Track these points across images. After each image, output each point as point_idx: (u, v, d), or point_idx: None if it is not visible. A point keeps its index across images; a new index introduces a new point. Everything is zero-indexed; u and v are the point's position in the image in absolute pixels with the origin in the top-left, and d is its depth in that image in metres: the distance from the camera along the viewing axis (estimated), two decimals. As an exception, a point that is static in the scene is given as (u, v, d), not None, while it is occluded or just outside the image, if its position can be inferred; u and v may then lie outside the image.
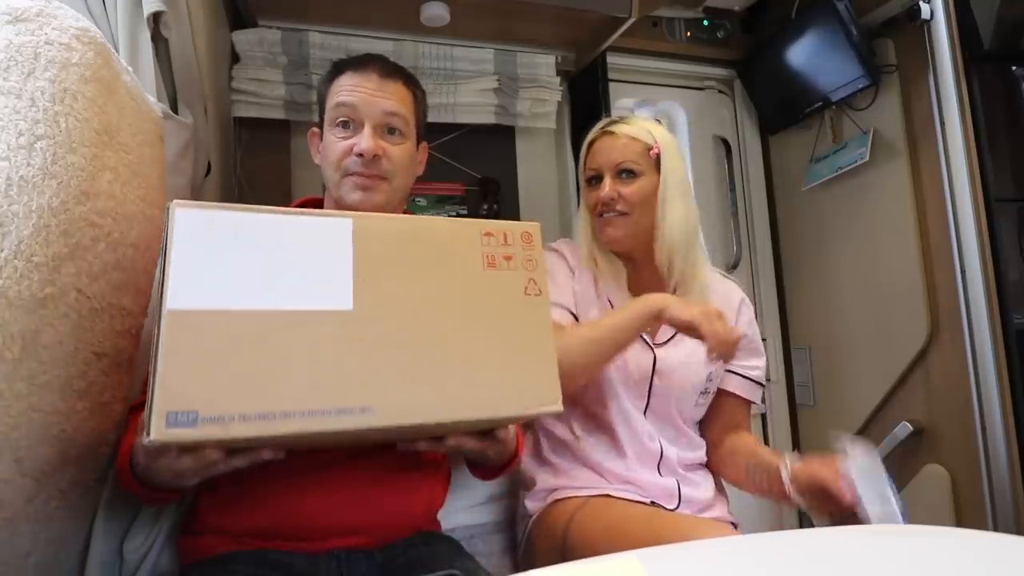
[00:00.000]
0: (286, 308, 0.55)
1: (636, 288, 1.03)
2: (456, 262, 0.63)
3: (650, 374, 0.98)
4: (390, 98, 0.87)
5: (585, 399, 1.00)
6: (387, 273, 0.60)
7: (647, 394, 0.99)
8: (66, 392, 0.59)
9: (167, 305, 0.51)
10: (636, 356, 0.98)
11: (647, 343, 1.00)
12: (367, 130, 0.85)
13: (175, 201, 0.54)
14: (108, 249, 0.62)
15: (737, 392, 1.04)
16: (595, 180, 1.03)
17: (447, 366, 0.60)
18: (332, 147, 0.87)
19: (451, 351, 0.61)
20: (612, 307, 1.02)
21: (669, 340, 1.01)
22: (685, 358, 0.99)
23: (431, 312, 0.61)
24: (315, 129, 0.95)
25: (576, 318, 1.02)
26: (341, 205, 0.88)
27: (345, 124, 0.86)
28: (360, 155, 0.84)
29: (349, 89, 0.86)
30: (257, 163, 1.51)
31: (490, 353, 0.62)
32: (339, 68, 0.90)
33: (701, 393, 1.01)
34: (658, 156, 1.00)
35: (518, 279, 0.65)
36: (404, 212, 1.00)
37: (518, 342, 0.63)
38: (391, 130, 0.88)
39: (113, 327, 0.66)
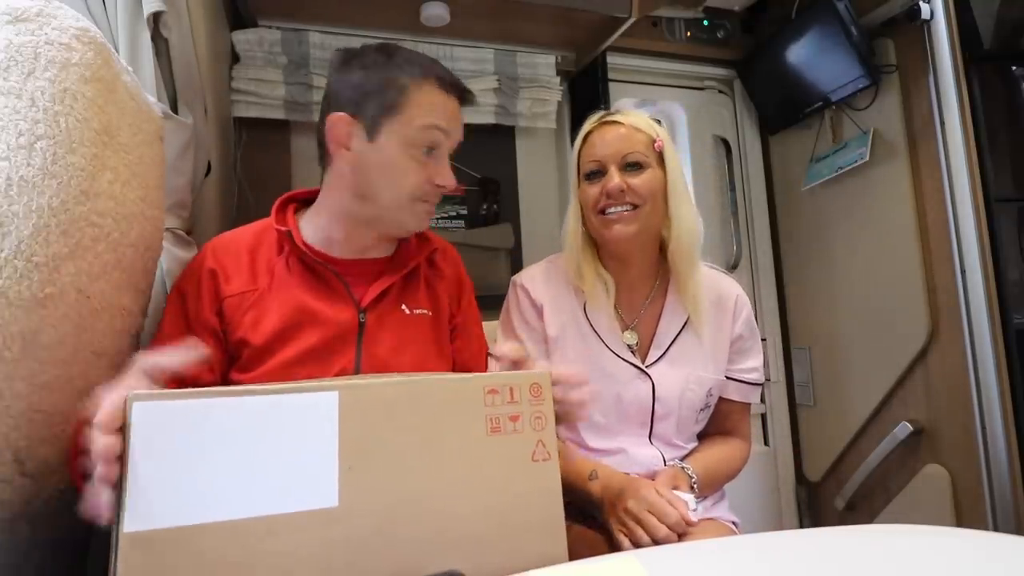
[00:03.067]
0: (262, 514, 0.48)
1: (623, 305, 0.99)
2: (456, 431, 0.56)
3: (651, 403, 0.95)
4: (462, 128, 0.84)
5: (587, 440, 0.96)
6: (378, 455, 0.52)
7: (650, 422, 0.96)
8: (66, 392, 0.59)
9: (124, 527, 0.44)
10: (634, 389, 0.94)
11: (640, 368, 0.95)
12: (446, 160, 0.82)
13: (132, 393, 0.46)
14: (108, 249, 0.62)
15: (733, 397, 1.01)
16: (596, 174, 0.94)
17: (444, 560, 0.53)
18: (411, 174, 0.79)
19: (449, 542, 0.53)
20: (593, 328, 0.97)
21: (661, 358, 0.97)
22: (683, 381, 0.95)
23: (426, 496, 0.53)
24: (346, 117, 0.79)
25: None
26: (391, 223, 0.83)
27: (431, 150, 0.80)
28: (440, 186, 0.81)
29: (446, 112, 0.80)
30: (257, 163, 1.51)
31: (493, 538, 0.55)
32: (425, 73, 0.79)
33: (701, 410, 0.98)
34: (661, 150, 0.94)
35: (525, 443, 0.58)
36: None
37: (524, 518, 0.57)
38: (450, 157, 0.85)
39: (113, 327, 0.66)
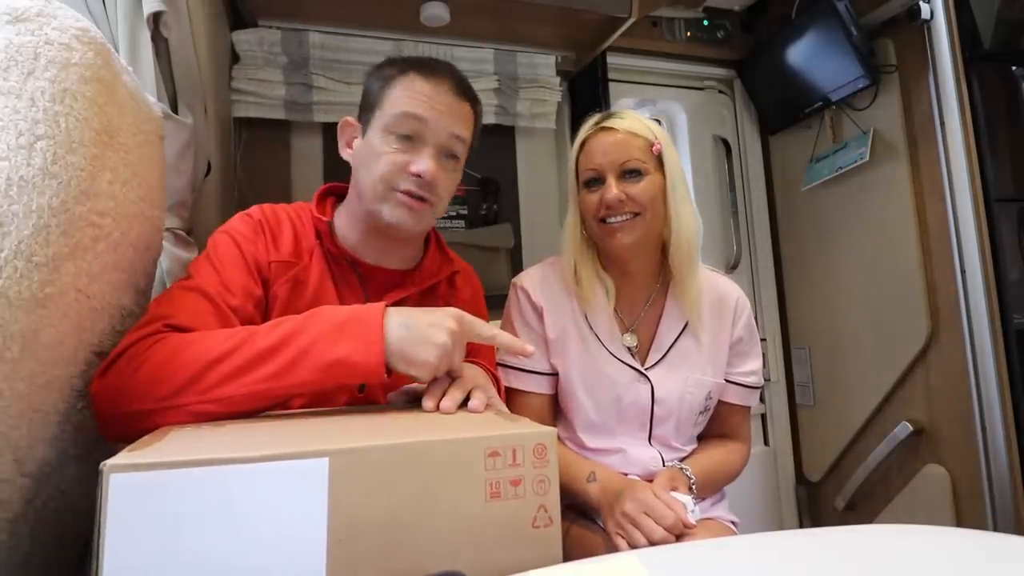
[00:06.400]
0: None
1: (623, 307, 0.99)
2: (453, 497, 0.53)
3: (650, 405, 0.95)
4: (460, 121, 0.81)
5: (585, 440, 0.97)
6: (368, 524, 0.49)
7: (649, 424, 0.96)
8: (66, 392, 0.59)
9: None
10: (633, 391, 0.95)
11: (638, 371, 0.95)
12: (429, 150, 0.78)
13: (109, 463, 0.44)
14: (108, 249, 0.62)
15: (732, 400, 1.00)
16: (595, 182, 0.94)
17: None
18: (383, 158, 0.78)
19: None
20: (593, 330, 0.97)
21: (659, 361, 0.96)
22: (682, 384, 0.95)
23: (419, 568, 0.51)
24: (351, 120, 0.85)
25: (554, 396, 0.99)
26: (374, 216, 0.81)
27: (407, 138, 0.78)
28: (417, 176, 0.77)
29: (421, 99, 0.78)
30: (257, 163, 1.51)
31: None
32: (406, 67, 0.80)
33: (700, 413, 0.98)
34: (660, 153, 0.93)
35: (526, 510, 0.54)
36: None
37: None
38: (450, 155, 0.81)
39: (113, 327, 0.66)
